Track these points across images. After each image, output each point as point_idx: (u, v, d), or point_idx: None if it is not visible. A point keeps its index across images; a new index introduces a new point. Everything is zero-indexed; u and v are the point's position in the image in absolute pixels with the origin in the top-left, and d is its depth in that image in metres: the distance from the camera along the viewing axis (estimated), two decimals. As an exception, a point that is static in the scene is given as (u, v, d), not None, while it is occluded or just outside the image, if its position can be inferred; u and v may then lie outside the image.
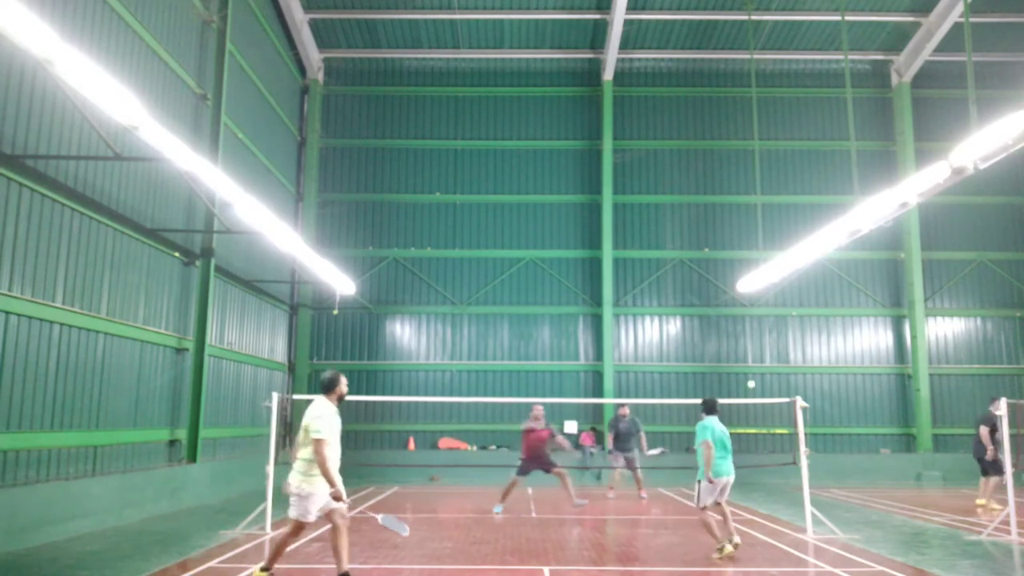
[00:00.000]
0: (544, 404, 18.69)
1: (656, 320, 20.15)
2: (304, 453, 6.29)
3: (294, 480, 6.30)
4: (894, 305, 20.17)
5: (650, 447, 19.28)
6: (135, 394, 11.53)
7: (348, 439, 19.39)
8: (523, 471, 12.29)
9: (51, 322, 9.40)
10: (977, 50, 13.66)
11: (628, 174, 20.60)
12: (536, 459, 12.28)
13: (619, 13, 18.57)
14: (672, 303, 20.12)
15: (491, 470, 16.42)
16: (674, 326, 20.11)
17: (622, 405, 14.71)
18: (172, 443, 12.80)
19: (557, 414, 19.17)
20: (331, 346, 19.95)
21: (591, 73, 21.04)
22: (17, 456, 8.77)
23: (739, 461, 18.23)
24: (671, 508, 13.13)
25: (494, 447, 19.12)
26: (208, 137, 14.12)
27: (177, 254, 12.92)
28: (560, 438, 12.78)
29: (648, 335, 20.09)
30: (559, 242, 20.39)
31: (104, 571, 7.30)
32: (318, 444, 6.13)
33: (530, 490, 14.99)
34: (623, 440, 14.40)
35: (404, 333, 20.05)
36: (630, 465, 14.39)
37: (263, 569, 6.56)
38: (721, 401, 22.35)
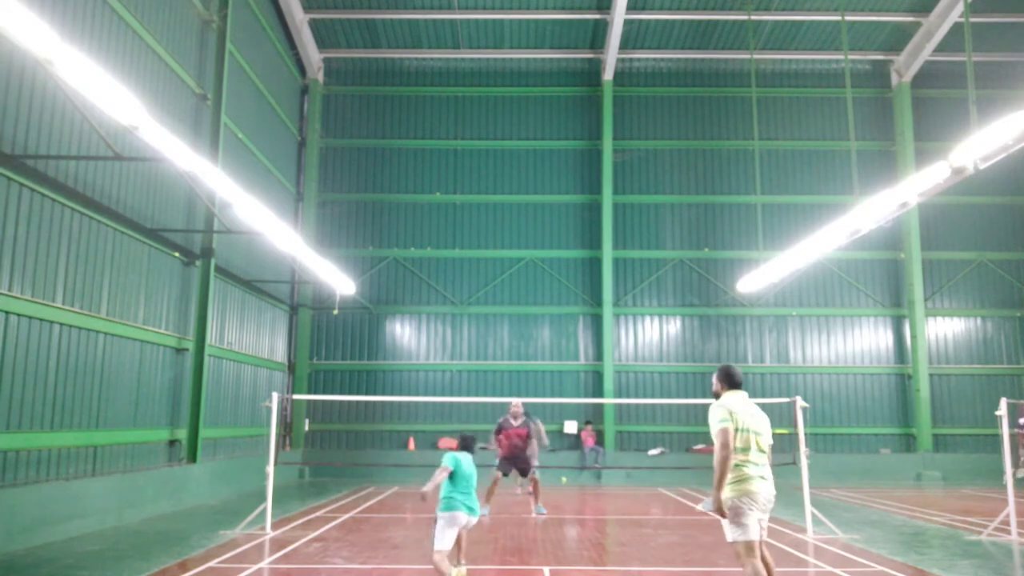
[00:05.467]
0: (544, 404, 18.97)
1: (656, 320, 20.14)
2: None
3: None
4: (894, 305, 20.16)
5: (649, 447, 19.39)
6: (135, 394, 11.53)
7: (349, 439, 19.62)
8: (502, 469, 11.56)
9: (51, 322, 9.40)
10: (977, 50, 13.65)
11: (628, 174, 20.59)
12: (514, 459, 11.48)
13: (619, 13, 18.57)
14: (672, 303, 20.12)
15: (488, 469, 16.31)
16: (674, 326, 20.11)
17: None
18: (172, 443, 12.80)
19: (557, 414, 19.20)
20: (331, 346, 19.95)
21: (591, 73, 21.03)
22: (17, 456, 8.77)
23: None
24: (671, 508, 13.12)
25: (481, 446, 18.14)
26: (208, 137, 14.12)
27: (177, 254, 12.92)
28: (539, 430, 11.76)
29: (648, 335, 20.09)
30: (559, 242, 20.38)
31: (104, 571, 7.30)
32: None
33: (518, 490, 14.70)
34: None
35: (404, 333, 20.04)
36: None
37: None
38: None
